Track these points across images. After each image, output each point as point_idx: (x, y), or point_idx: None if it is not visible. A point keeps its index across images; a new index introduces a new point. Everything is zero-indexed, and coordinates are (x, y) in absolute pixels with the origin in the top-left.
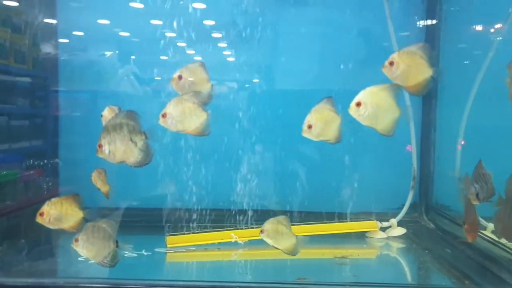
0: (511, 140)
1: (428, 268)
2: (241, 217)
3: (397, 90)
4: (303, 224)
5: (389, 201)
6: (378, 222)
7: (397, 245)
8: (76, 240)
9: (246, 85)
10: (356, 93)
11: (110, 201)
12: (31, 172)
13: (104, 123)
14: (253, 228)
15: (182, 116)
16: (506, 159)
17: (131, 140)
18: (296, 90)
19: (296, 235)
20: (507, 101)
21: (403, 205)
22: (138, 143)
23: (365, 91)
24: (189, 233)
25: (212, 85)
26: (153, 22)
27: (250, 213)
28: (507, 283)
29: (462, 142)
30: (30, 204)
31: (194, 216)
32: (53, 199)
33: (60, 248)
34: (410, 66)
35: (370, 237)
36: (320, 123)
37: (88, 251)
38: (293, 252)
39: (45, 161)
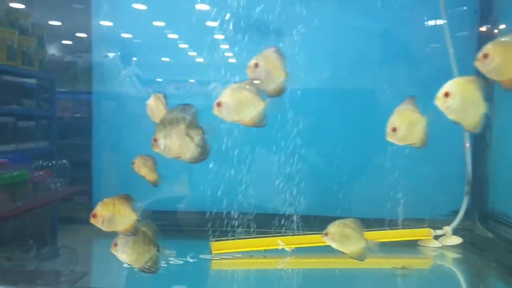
0: None
1: (492, 282)
2: (287, 223)
3: (484, 84)
4: None
5: (438, 207)
6: (432, 230)
7: (452, 255)
8: (115, 245)
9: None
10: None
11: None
12: (41, 173)
13: (149, 112)
14: (300, 235)
15: (239, 106)
16: None
17: (187, 134)
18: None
19: (366, 239)
20: None
21: (454, 211)
22: (195, 138)
23: (453, 82)
24: (234, 239)
25: (286, 74)
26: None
27: (296, 218)
28: None
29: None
30: (40, 205)
31: (239, 221)
32: (105, 200)
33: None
34: (506, 59)
35: (423, 246)
36: (405, 125)
37: (128, 255)
38: (360, 257)
39: (53, 162)
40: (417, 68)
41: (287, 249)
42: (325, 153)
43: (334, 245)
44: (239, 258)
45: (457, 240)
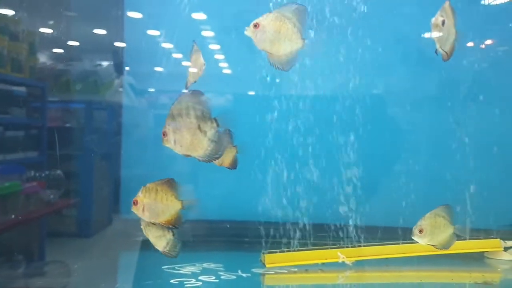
0: None
1: None
2: (346, 234)
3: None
4: (413, 243)
5: (505, 217)
6: (502, 241)
7: None
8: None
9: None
10: None
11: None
12: (34, 184)
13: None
14: (360, 246)
15: (276, 35)
16: None
17: (199, 128)
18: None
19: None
20: None
21: None
22: (208, 132)
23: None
24: (288, 251)
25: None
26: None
27: (355, 229)
28: None
29: None
30: (34, 218)
31: (293, 231)
32: (148, 185)
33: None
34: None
35: (491, 258)
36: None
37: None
38: (447, 245)
39: (47, 172)
40: None
41: (347, 262)
42: (388, 161)
43: (425, 241)
44: (295, 272)
45: None
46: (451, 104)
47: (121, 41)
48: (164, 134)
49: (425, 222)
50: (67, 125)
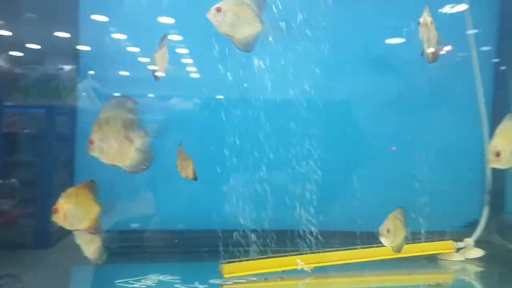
0: None
1: None
2: (305, 240)
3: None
4: (373, 247)
5: (453, 219)
6: (454, 243)
7: (474, 268)
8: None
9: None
10: None
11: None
12: None
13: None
14: (320, 252)
15: (236, 19)
16: None
17: (126, 137)
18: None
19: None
20: None
21: (470, 223)
22: (136, 141)
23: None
24: (247, 260)
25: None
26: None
27: (312, 235)
28: None
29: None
30: None
31: (252, 239)
32: (68, 190)
33: None
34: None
35: (444, 260)
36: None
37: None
38: (401, 247)
39: (0, 181)
40: None
41: (306, 269)
42: (347, 162)
43: (389, 242)
44: (254, 281)
45: (479, 252)
46: (410, 110)
47: (85, 44)
48: (91, 142)
49: (389, 222)
50: (26, 130)
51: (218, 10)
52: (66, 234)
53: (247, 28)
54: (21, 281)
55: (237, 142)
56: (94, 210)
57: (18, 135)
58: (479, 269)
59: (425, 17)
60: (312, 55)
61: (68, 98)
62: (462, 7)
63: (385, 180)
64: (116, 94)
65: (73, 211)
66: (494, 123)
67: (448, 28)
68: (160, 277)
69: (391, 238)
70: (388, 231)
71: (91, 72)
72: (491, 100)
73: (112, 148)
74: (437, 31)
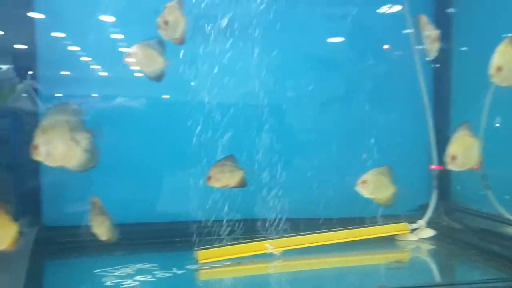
0: None
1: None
2: (272, 226)
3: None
4: (334, 231)
5: (407, 203)
6: (408, 224)
7: (427, 246)
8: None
9: None
10: None
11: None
12: None
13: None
14: (286, 237)
15: (145, 59)
16: None
17: (72, 139)
18: None
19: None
20: None
21: (420, 206)
22: (82, 142)
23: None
24: (220, 246)
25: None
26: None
27: (280, 221)
28: None
29: None
30: None
31: (223, 228)
32: None
33: None
34: None
35: (401, 240)
36: (463, 152)
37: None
38: (389, 202)
39: None
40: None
41: (275, 252)
42: (303, 156)
43: (367, 193)
44: (228, 265)
45: (430, 232)
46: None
47: (24, 43)
48: (34, 148)
49: (368, 176)
50: None
51: (128, 55)
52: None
53: (153, 64)
54: None
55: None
56: (12, 229)
57: None
58: (431, 247)
59: (431, 32)
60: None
61: (8, 99)
62: (397, 8)
63: (337, 170)
64: (58, 95)
65: None
66: (436, 113)
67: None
68: (138, 265)
69: (371, 190)
70: (364, 182)
71: (31, 72)
72: (433, 92)
73: (58, 150)
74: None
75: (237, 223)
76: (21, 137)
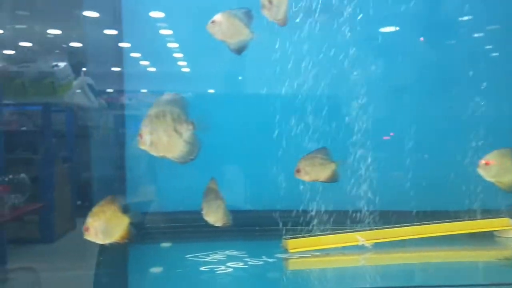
0: None
1: None
2: (363, 218)
3: None
4: (428, 224)
5: (507, 196)
6: (511, 220)
7: None
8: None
9: None
10: None
11: None
12: None
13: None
14: (379, 229)
15: (231, 29)
16: None
17: (175, 130)
18: None
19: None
20: None
21: None
22: (184, 133)
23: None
24: (310, 236)
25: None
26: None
27: (369, 213)
28: None
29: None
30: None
31: (312, 218)
32: (94, 209)
33: None
34: None
35: (501, 237)
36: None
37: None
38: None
39: (11, 176)
40: None
41: (367, 244)
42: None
43: (488, 176)
44: (317, 256)
45: None
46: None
47: (79, 41)
48: (140, 136)
49: (491, 157)
50: (23, 128)
51: (213, 22)
52: (68, 229)
53: (237, 35)
54: (35, 273)
55: None
56: (124, 221)
57: (17, 133)
58: None
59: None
60: None
61: (64, 95)
62: None
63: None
64: (109, 90)
65: (103, 227)
66: None
67: None
68: (227, 252)
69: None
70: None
71: (85, 69)
72: None
73: (161, 140)
74: None
75: (326, 214)
76: (75, 131)
